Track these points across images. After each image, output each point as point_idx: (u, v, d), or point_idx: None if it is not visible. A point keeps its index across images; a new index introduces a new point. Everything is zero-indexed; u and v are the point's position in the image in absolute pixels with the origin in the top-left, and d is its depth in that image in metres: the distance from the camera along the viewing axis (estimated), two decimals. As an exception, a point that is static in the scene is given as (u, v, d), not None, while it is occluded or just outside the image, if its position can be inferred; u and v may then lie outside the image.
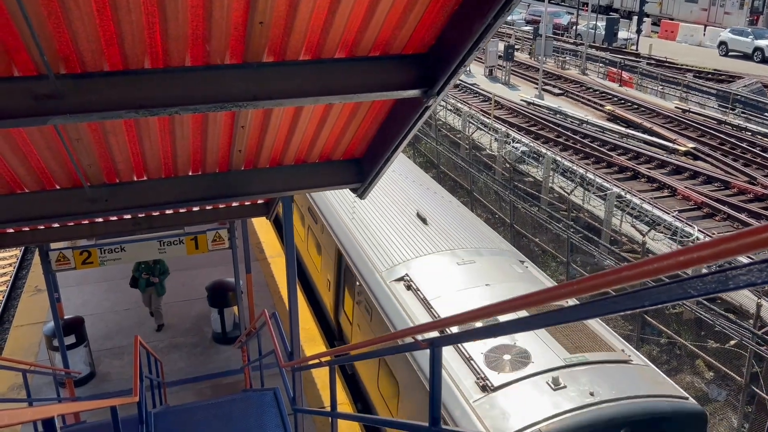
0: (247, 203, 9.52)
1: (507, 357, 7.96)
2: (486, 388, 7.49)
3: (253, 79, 3.56)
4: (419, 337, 2.67)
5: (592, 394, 7.19)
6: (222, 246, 10.87)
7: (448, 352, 8.15)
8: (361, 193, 5.64)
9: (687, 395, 7.84)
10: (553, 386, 7.30)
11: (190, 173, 5.15)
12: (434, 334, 2.63)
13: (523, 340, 8.15)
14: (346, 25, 3.42)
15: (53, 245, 10.13)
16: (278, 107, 3.69)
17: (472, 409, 7.28)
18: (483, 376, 7.65)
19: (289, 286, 5.95)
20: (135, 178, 5.04)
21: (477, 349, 8.14)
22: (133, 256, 10.56)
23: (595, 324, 8.93)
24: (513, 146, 21.74)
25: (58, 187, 4.87)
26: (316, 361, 4.91)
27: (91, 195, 4.78)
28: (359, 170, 5.51)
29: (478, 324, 2.28)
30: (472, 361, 7.95)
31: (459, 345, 8.29)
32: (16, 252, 20.86)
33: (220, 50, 3.39)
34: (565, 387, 7.30)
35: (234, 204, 9.26)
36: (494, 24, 3.14)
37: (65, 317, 12.27)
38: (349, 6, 3.25)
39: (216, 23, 3.13)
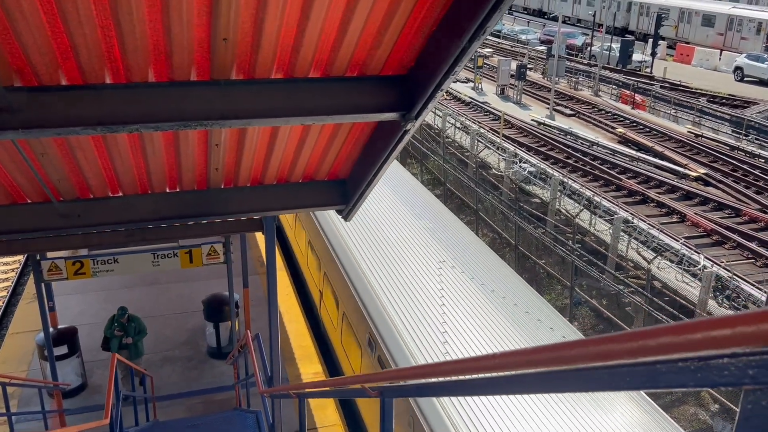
0: (243, 218, 9.37)
1: None
2: None
3: (220, 97, 3.40)
4: (369, 386, 2.49)
5: None
6: (217, 260, 10.71)
7: None
8: (346, 214, 5.46)
9: None
10: None
11: (168, 190, 5.00)
12: (386, 383, 2.46)
13: None
14: (317, 43, 3.26)
15: (48, 254, 10.02)
16: (247, 126, 3.52)
17: None
18: None
19: (270, 312, 5.77)
20: (110, 194, 4.89)
21: None
22: (126, 268, 10.42)
23: None
24: (520, 166, 21.52)
25: (29, 201, 4.74)
26: (287, 391, 4.72)
27: (63, 210, 4.63)
28: (344, 191, 5.33)
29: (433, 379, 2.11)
30: None
31: None
32: (20, 257, 20.81)
33: (184, 66, 3.23)
34: None
35: (230, 219, 9.12)
36: (469, 47, 2.96)
37: (59, 326, 12.13)
38: (318, 24, 3.09)
39: (176, 38, 2.98)
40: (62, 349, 11.60)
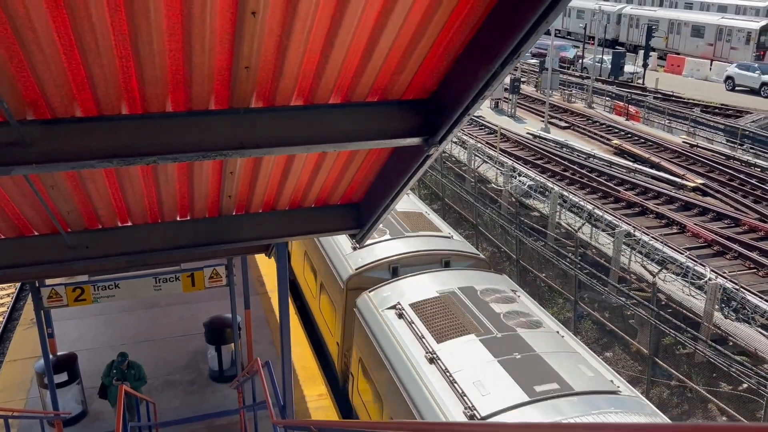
0: (254, 244, 9.23)
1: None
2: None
3: (239, 126, 3.28)
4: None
5: None
6: (219, 283, 10.57)
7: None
8: (360, 238, 5.34)
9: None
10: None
11: (178, 218, 4.87)
12: None
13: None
14: (340, 69, 3.16)
15: (47, 281, 9.84)
16: (267, 155, 3.41)
17: None
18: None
19: (283, 342, 5.63)
20: (119, 224, 4.76)
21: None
22: (127, 293, 10.25)
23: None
24: (519, 180, 21.46)
25: (36, 233, 4.60)
26: (308, 426, 4.57)
27: (71, 242, 4.49)
28: (358, 215, 5.21)
29: None
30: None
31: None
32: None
33: (203, 95, 3.12)
34: None
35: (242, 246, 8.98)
36: (501, 72, 2.86)
37: (58, 353, 11.92)
38: (343, 50, 2.98)
39: (197, 68, 2.87)
40: (62, 377, 11.38)
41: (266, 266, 18.25)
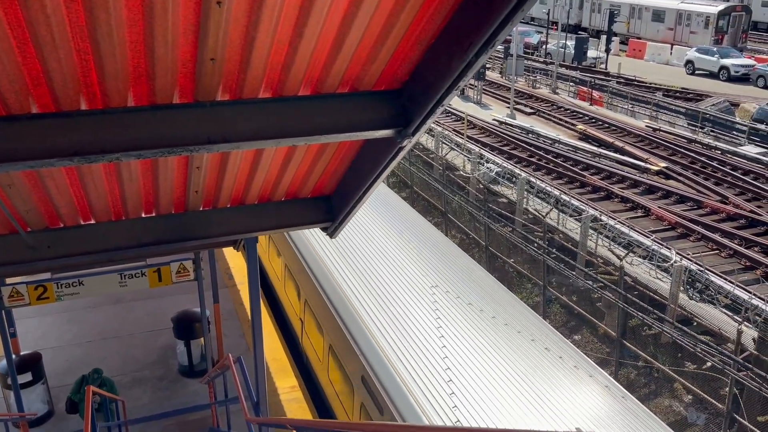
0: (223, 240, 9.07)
1: None
2: None
3: (205, 120, 3.16)
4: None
5: None
6: (187, 278, 10.38)
7: None
8: (332, 231, 5.26)
9: None
10: None
11: (143, 215, 4.71)
12: None
13: None
14: (309, 60, 3.06)
15: (7, 279, 9.55)
16: (236, 150, 3.29)
17: None
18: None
19: (255, 336, 5.52)
20: (81, 222, 4.59)
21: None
22: (92, 290, 10.00)
23: None
24: (487, 167, 21.54)
25: (-7, 234, 4.41)
26: (285, 425, 4.49)
27: (31, 242, 4.32)
28: (329, 208, 5.12)
29: None
30: None
31: None
32: (-26, 280, 19.97)
33: (167, 89, 2.99)
34: None
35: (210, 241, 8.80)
36: (476, 61, 2.79)
37: (21, 353, 11.61)
38: (312, 41, 2.88)
39: (160, 60, 2.74)
40: (26, 377, 11.10)
41: (234, 258, 18.03)
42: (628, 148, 26.08)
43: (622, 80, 37.55)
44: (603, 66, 42.04)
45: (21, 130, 2.87)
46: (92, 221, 4.64)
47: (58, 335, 14.15)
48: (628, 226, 17.06)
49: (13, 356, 10.33)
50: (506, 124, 29.65)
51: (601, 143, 27.04)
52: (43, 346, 13.11)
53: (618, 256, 14.38)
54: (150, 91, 3.00)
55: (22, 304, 9.61)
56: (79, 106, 2.97)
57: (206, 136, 3.17)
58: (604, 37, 44.66)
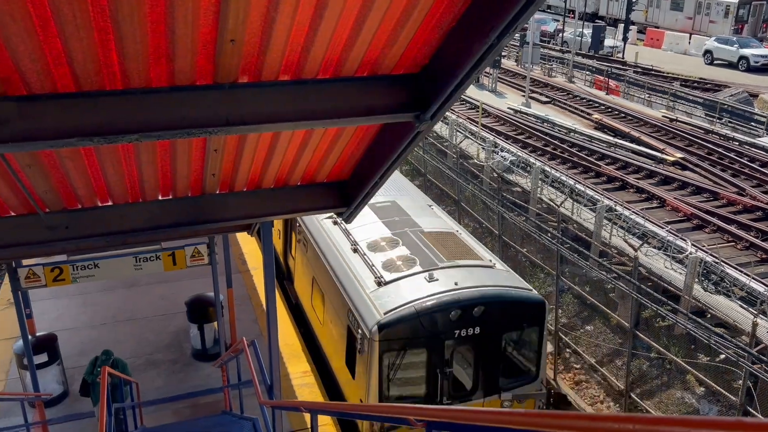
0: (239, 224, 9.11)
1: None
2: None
3: (224, 102, 3.16)
4: (414, 418, 2.32)
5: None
6: (201, 262, 10.44)
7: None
8: (347, 216, 5.25)
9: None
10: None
11: (160, 197, 4.73)
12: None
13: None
14: (329, 43, 3.04)
15: (24, 261, 9.65)
16: (254, 132, 3.29)
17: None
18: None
19: (269, 321, 5.54)
20: (99, 204, 4.61)
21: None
22: (107, 273, 10.09)
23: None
24: (501, 156, 21.44)
25: (12, 214, 4.44)
26: (298, 408, 4.51)
27: (49, 222, 4.35)
28: (344, 193, 5.11)
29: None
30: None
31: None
32: (-10, 261, 20.17)
33: (187, 70, 2.99)
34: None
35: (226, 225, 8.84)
36: (497, 44, 2.77)
37: (37, 334, 11.77)
38: (332, 23, 2.87)
39: (180, 41, 2.74)
40: (42, 357, 11.25)
41: (246, 244, 18.11)
42: (644, 138, 25.84)
43: (639, 69, 37.16)
44: (620, 55, 41.62)
45: (42, 109, 2.88)
46: (109, 203, 4.66)
47: (73, 317, 14.31)
48: (643, 217, 16.92)
49: (30, 337, 10.47)
50: (521, 112, 29.46)
51: (616, 133, 26.81)
52: (59, 327, 13.27)
53: (633, 247, 14.28)
54: (170, 72, 3.00)
55: (38, 285, 9.72)
56: (99, 87, 2.97)
57: (225, 118, 3.17)
58: (621, 26, 44.19)
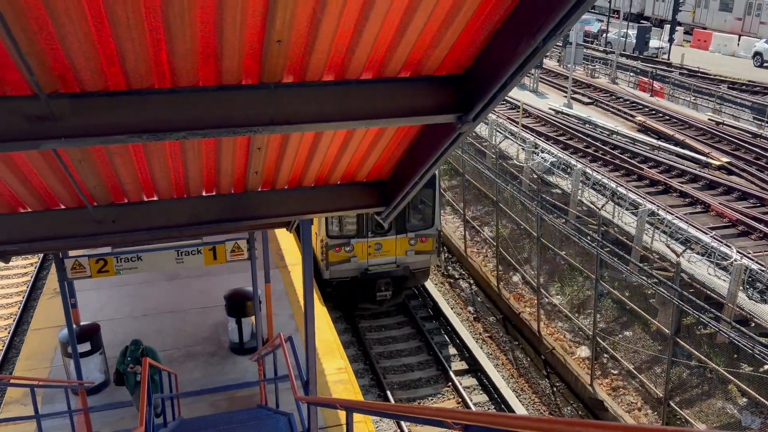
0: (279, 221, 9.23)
1: None
2: None
3: (269, 102, 3.21)
4: (452, 421, 2.33)
5: None
6: (241, 257, 10.59)
7: None
8: (385, 217, 5.27)
9: None
10: None
11: (204, 193, 4.82)
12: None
13: None
14: (373, 44, 3.06)
15: (70, 252, 9.92)
16: (298, 132, 3.33)
17: None
18: None
19: (307, 317, 5.61)
20: (145, 198, 4.72)
21: None
22: (149, 265, 10.32)
23: None
24: (541, 157, 21.22)
25: (62, 207, 4.58)
26: (333, 405, 4.55)
27: (97, 216, 4.47)
28: (383, 193, 5.14)
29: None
30: None
31: None
32: (38, 252, 20.78)
33: (234, 70, 3.04)
34: None
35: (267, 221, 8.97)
36: (543, 47, 2.75)
37: (81, 323, 12.08)
38: (377, 23, 2.88)
39: (228, 41, 2.79)
40: (85, 346, 11.56)
41: (285, 240, 18.30)
42: (688, 141, 25.28)
43: (685, 71, 36.34)
44: (665, 56, 40.76)
45: (95, 106, 2.97)
46: (155, 198, 4.77)
47: (115, 308, 14.65)
48: (687, 222, 16.57)
49: (74, 326, 10.76)
50: (562, 113, 29.11)
51: (660, 136, 26.28)
52: (102, 318, 13.61)
53: (675, 252, 14.00)
54: (217, 72, 3.06)
55: (83, 275, 9.98)
56: (149, 85, 3.05)
57: (269, 118, 3.22)
58: (667, 27, 43.28)
